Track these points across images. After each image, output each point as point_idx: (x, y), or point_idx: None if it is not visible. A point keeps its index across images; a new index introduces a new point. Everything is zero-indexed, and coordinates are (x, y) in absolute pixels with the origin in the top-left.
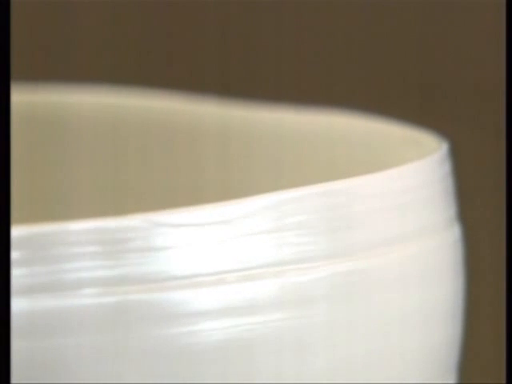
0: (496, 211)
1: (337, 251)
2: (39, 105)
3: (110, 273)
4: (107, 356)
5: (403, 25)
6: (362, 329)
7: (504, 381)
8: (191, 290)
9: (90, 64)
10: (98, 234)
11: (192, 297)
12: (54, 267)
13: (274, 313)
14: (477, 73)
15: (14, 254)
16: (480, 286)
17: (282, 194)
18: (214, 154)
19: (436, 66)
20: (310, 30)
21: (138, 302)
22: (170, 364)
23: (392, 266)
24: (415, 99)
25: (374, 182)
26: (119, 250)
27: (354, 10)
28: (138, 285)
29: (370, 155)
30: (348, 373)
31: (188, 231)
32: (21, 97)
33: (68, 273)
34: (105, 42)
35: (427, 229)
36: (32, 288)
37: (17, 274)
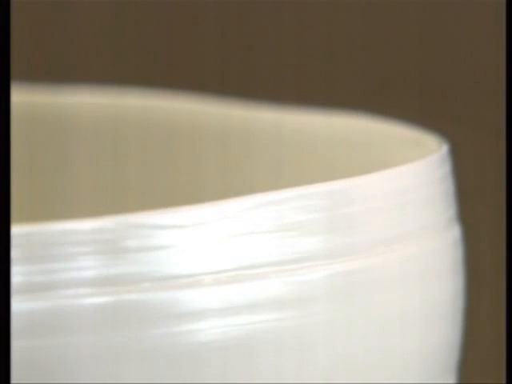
0: (496, 211)
1: (337, 251)
2: (39, 105)
3: (109, 272)
4: (106, 356)
5: (403, 25)
6: (362, 328)
7: (504, 381)
8: (191, 290)
9: (90, 64)
10: (96, 233)
11: (191, 296)
12: (52, 266)
13: (273, 312)
14: (477, 73)
15: (14, 253)
16: (480, 286)
17: (281, 193)
18: (213, 153)
19: (436, 66)
20: (310, 29)
21: (138, 302)
22: (170, 364)
23: (392, 266)
24: (415, 99)
25: (374, 182)
26: (118, 250)
27: (355, 10)
28: (138, 284)
29: (370, 155)
30: (348, 372)
31: (187, 230)
32: (21, 97)
33: (67, 272)
34: (105, 42)
35: (427, 229)
36: (31, 287)
37: (16, 272)
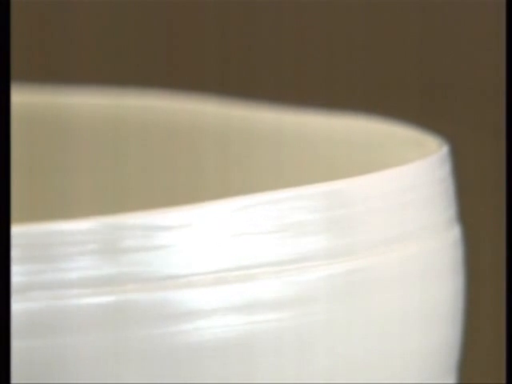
0: (496, 211)
1: (337, 251)
2: (39, 105)
3: (109, 272)
4: (105, 356)
5: (404, 25)
6: (362, 328)
7: (504, 381)
8: (191, 289)
9: (90, 64)
10: (96, 232)
11: (191, 296)
12: (52, 266)
13: (273, 312)
14: (477, 73)
15: (14, 253)
16: (480, 286)
17: (281, 193)
18: (213, 153)
19: (436, 66)
20: (310, 29)
21: (137, 302)
22: (169, 363)
23: (392, 266)
24: (415, 100)
25: (374, 182)
26: (117, 249)
27: (355, 11)
28: (138, 284)
29: (371, 156)
30: (348, 372)
31: (187, 230)
32: (21, 97)
33: (66, 272)
34: (105, 42)
35: (427, 229)
36: (31, 287)
37: (16, 272)
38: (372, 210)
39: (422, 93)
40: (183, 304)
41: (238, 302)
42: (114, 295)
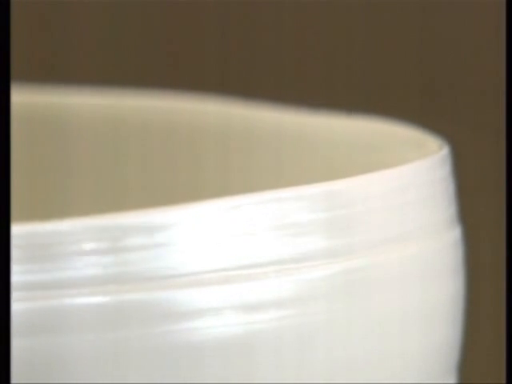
0: (496, 211)
1: (337, 250)
2: (39, 105)
3: (109, 271)
4: (106, 355)
5: (404, 25)
6: (362, 328)
7: (504, 381)
8: (190, 289)
9: (90, 64)
10: (96, 231)
11: (191, 295)
12: (52, 265)
13: (273, 311)
14: (477, 73)
15: (14, 253)
16: (480, 286)
17: (281, 192)
18: (213, 153)
19: (436, 66)
20: (310, 29)
21: (137, 301)
22: (170, 362)
23: (392, 266)
24: (415, 100)
25: (374, 181)
26: (118, 248)
27: (355, 10)
28: (138, 283)
29: (371, 156)
30: (348, 372)
31: (187, 229)
32: (21, 97)
33: (67, 271)
34: (105, 43)
35: (427, 229)
36: (31, 286)
37: (16, 271)
38: (372, 210)
39: (422, 93)
40: (183, 303)
41: (238, 301)
42: (113, 295)
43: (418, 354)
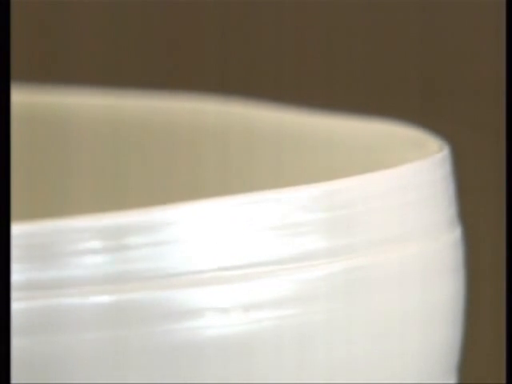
0: (496, 211)
1: (337, 250)
2: (39, 105)
3: (110, 270)
4: (107, 354)
5: (403, 25)
6: (362, 328)
7: (504, 381)
8: (191, 288)
9: (90, 64)
10: (96, 231)
11: (192, 294)
12: (52, 265)
13: (273, 311)
14: (477, 73)
15: (14, 252)
16: (480, 286)
17: (281, 192)
18: (213, 153)
19: (436, 66)
20: (310, 29)
21: (138, 300)
22: (170, 362)
23: (392, 266)
24: (415, 100)
25: (374, 182)
26: (119, 247)
27: (355, 10)
28: (138, 282)
29: (371, 156)
30: (348, 372)
31: (188, 228)
32: (21, 97)
33: (67, 270)
34: (105, 43)
35: (427, 229)
36: (31, 285)
37: (16, 271)
38: (372, 210)
39: (422, 93)
40: (184, 302)
41: (238, 300)
42: (114, 294)
43: (418, 354)
